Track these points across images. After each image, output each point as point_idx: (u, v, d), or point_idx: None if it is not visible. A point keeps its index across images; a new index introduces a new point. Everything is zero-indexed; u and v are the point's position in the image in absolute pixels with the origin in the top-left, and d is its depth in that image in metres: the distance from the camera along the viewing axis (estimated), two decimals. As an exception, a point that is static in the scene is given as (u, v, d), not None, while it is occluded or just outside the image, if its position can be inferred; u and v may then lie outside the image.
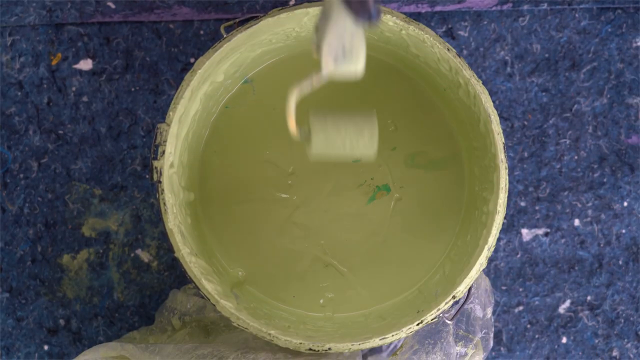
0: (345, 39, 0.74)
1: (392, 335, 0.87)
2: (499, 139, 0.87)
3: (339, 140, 0.84)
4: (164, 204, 0.87)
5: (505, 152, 0.87)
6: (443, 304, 0.87)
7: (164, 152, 0.87)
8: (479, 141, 0.92)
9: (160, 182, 0.87)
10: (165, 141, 0.87)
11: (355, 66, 0.77)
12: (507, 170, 0.87)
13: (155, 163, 0.87)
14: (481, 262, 0.87)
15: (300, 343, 0.87)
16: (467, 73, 0.87)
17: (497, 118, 0.88)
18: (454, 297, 0.88)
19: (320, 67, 0.76)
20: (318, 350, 0.86)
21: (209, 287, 0.87)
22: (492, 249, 0.87)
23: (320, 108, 0.86)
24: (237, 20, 0.91)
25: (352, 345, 0.86)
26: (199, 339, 0.99)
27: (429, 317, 0.87)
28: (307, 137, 0.84)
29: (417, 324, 0.87)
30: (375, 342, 0.87)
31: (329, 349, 0.86)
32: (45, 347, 1.09)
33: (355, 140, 0.83)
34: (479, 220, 0.91)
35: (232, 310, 0.87)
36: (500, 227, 0.87)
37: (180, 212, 0.90)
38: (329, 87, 0.97)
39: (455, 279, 0.89)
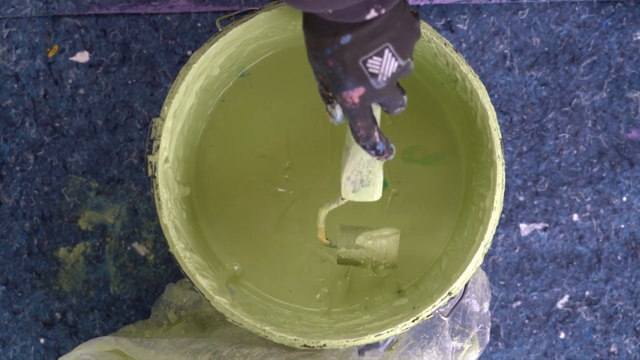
0: (363, 172, 0.83)
1: (388, 332, 0.86)
2: (496, 135, 0.87)
3: (362, 253, 0.91)
4: (159, 199, 0.86)
5: (502, 148, 0.87)
6: (439, 300, 0.87)
7: (158, 146, 0.86)
8: (476, 137, 0.91)
9: (154, 177, 0.86)
10: (159, 136, 0.87)
11: (372, 196, 0.85)
12: (504, 167, 0.87)
13: (150, 158, 0.86)
14: (477, 258, 0.87)
15: (295, 339, 0.86)
16: (464, 68, 0.87)
17: (494, 114, 0.87)
18: (449, 293, 0.87)
19: (341, 194, 0.85)
20: (313, 347, 0.86)
21: (204, 282, 0.86)
22: (489, 245, 0.87)
23: (348, 223, 0.93)
24: (233, 14, 0.90)
25: (347, 341, 0.86)
26: (195, 333, 0.99)
27: (424, 314, 0.87)
28: (334, 246, 0.92)
29: (413, 321, 0.87)
30: (370, 338, 0.86)
31: (324, 345, 0.86)
32: (42, 340, 1.09)
33: (377, 255, 0.91)
34: (476, 216, 0.91)
35: (226, 306, 0.86)
36: (496, 223, 0.87)
37: (176, 206, 0.90)
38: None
39: (451, 275, 0.89)
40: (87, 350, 0.94)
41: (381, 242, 0.91)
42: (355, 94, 0.75)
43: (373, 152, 0.80)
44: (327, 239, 0.91)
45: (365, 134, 0.78)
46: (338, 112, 0.80)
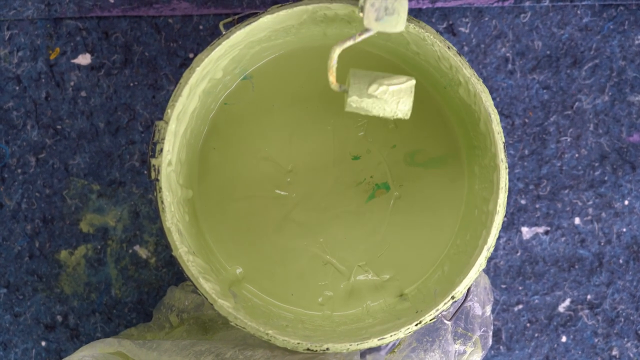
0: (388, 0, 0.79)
1: (391, 336, 0.86)
2: (499, 139, 0.87)
3: (375, 102, 0.84)
4: (162, 202, 0.86)
5: (505, 151, 0.87)
6: (442, 304, 0.87)
7: (161, 149, 0.86)
8: (479, 140, 0.91)
9: (158, 180, 0.86)
10: (163, 139, 0.86)
11: (395, 26, 0.80)
12: (507, 170, 0.87)
13: (153, 161, 0.86)
14: (480, 262, 0.87)
15: (298, 343, 0.86)
16: (468, 72, 0.87)
17: (498, 117, 0.87)
18: (452, 297, 0.87)
19: (363, 24, 0.80)
20: (316, 350, 0.86)
21: (207, 286, 0.86)
22: (492, 249, 0.87)
23: (360, 67, 0.87)
24: (236, 16, 0.90)
25: (350, 345, 0.86)
26: (197, 336, 0.99)
27: (427, 318, 0.87)
28: (345, 91, 0.85)
29: (416, 324, 0.87)
30: (373, 342, 0.86)
31: (327, 349, 0.86)
32: (43, 343, 1.08)
33: (390, 104, 0.84)
34: (479, 219, 0.91)
35: (229, 309, 0.86)
36: (500, 227, 0.87)
37: (178, 209, 0.90)
38: (328, 84, 0.96)
39: (454, 278, 0.89)
40: (89, 352, 0.93)
41: (394, 89, 0.84)
42: None
43: None
44: (337, 82, 0.84)
45: None
46: None
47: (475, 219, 0.92)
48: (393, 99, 0.84)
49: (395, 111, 0.84)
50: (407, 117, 0.85)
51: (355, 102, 0.84)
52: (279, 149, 0.98)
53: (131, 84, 1.07)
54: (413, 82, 0.84)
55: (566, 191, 1.08)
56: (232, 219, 0.98)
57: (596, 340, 1.09)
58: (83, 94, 1.07)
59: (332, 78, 0.83)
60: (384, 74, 0.84)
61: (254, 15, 0.88)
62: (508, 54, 1.07)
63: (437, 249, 0.97)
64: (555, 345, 1.09)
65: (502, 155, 0.87)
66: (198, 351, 0.90)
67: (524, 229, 1.08)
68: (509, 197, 1.08)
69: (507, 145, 1.07)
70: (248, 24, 0.87)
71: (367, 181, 0.98)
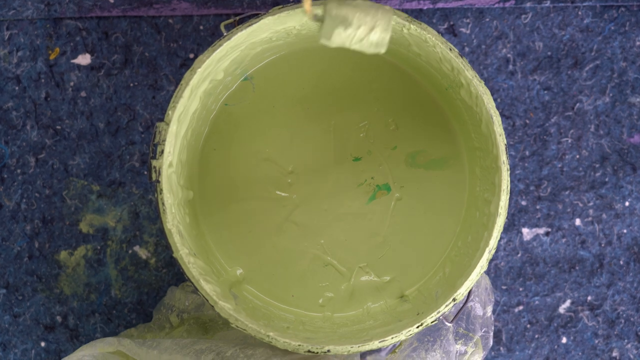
0: None
1: (392, 338, 0.86)
2: (501, 141, 0.87)
3: (350, 30, 0.80)
4: (163, 204, 0.86)
5: (507, 153, 0.87)
6: (443, 306, 0.87)
7: (162, 151, 0.86)
8: (480, 142, 0.91)
9: (159, 181, 0.86)
10: (164, 140, 0.86)
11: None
12: (509, 172, 0.87)
13: (154, 162, 0.86)
14: (482, 264, 0.86)
15: (299, 345, 0.86)
16: (470, 73, 0.87)
17: (499, 119, 0.87)
18: (454, 299, 0.87)
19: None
20: (317, 353, 0.86)
21: (208, 288, 0.86)
22: (493, 251, 0.87)
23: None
24: (237, 18, 0.90)
25: (351, 347, 0.86)
26: (197, 336, 0.99)
27: (428, 320, 0.87)
28: (319, 20, 0.81)
29: (417, 327, 0.86)
30: (374, 344, 0.86)
31: (328, 351, 0.86)
32: (42, 344, 1.08)
33: (367, 32, 0.81)
34: (480, 221, 0.90)
35: (230, 311, 0.86)
36: (501, 229, 0.87)
37: (179, 211, 0.89)
38: (329, 85, 0.96)
39: (455, 280, 0.89)
40: (89, 351, 0.93)
41: (370, 23, 0.80)
42: None
43: None
44: (312, 12, 0.80)
45: None
46: None
47: (476, 220, 0.92)
48: (375, 12, 0.80)
49: (375, 23, 0.80)
50: (383, 51, 0.82)
51: (329, 35, 0.81)
52: (279, 150, 0.98)
53: (131, 85, 1.07)
54: (391, 15, 0.81)
55: (567, 192, 1.08)
56: (232, 220, 0.97)
57: (596, 341, 1.09)
58: (83, 94, 1.07)
59: (307, 5, 0.79)
60: (363, 3, 0.80)
61: (255, 16, 0.87)
62: (509, 55, 1.07)
63: (438, 251, 0.97)
64: (556, 347, 1.09)
65: (503, 157, 0.87)
66: (198, 350, 0.90)
67: (525, 230, 1.08)
68: (509, 198, 1.07)
69: (507, 146, 1.07)
70: (249, 25, 0.86)
71: (368, 182, 0.98)
